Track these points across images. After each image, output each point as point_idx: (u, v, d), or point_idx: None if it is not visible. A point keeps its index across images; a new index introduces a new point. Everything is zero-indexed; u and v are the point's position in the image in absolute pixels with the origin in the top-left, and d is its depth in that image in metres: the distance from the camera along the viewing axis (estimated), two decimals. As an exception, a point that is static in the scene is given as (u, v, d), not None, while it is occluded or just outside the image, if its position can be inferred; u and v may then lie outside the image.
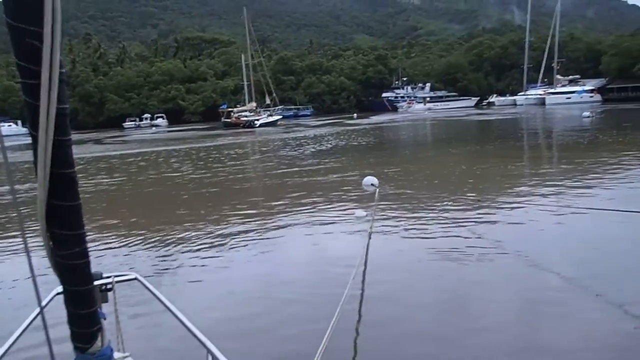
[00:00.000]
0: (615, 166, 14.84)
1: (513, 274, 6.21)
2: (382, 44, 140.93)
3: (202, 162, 21.63)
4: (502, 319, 4.94)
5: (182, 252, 7.72)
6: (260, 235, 8.58)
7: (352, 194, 11.68)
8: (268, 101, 61.39)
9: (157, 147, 33.85)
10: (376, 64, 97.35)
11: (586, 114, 41.79)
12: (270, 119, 57.21)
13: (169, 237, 8.57)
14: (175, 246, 8.06)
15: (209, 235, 8.65)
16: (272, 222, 9.46)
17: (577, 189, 11.66)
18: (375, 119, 57.78)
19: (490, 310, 5.13)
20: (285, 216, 9.94)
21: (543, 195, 10.97)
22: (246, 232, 8.81)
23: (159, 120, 78.44)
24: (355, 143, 27.41)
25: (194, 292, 6.15)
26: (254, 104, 60.67)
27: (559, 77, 78.11)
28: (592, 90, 75.05)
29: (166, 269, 7.01)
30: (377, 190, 8.23)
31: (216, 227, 9.21)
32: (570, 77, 79.33)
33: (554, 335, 4.46)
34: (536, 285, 5.78)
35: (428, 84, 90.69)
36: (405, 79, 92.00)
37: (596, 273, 6.02)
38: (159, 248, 7.99)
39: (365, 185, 9.02)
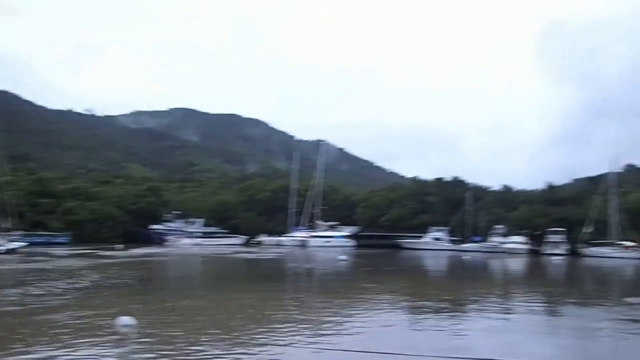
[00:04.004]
0: (361, 305, 15.93)
1: None
2: (157, 175, 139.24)
3: None
4: None
5: None
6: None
7: (104, 335, 10.07)
8: (9, 225, 53.25)
9: None
10: (148, 195, 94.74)
11: (342, 257, 45.81)
12: (12, 245, 49.51)
13: None
14: None
15: None
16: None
17: (330, 325, 12.02)
18: (139, 251, 54.63)
19: None
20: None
21: (300, 334, 10.99)
22: None
23: None
24: (113, 278, 24.97)
25: None
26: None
27: (320, 222, 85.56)
28: (347, 236, 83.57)
29: None
30: (133, 331, 7.22)
31: None
32: (330, 222, 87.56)
33: None
34: None
35: (201, 220, 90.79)
36: (177, 212, 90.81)
37: None
38: None
39: (119, 326, 7.81)
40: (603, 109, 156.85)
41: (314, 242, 76.88)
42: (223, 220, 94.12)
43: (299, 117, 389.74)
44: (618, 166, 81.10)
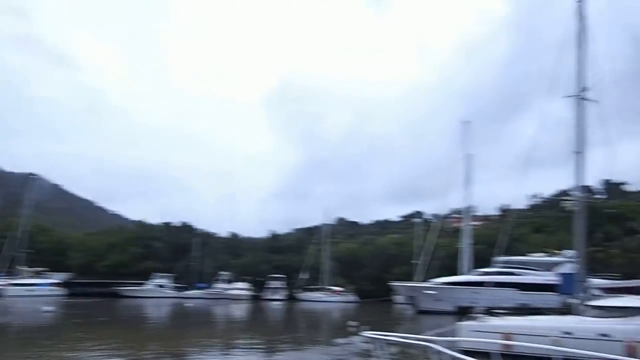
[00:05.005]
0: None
1: None
2: None
3: None
4: None
5: None
6: None
7: None
8: None
9: None
10: None
11: (48, 307, 39.69)
12: None
13: None
14: None
15: None
16: None
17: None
18: None
19: None
20: None
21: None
22: None
23: None
24: None
25: None
26: None
27: (23, 268, 73.89)
28: (57, 284, 73.73)
29: None
30: None
31: None
32: (38, 268, 76.34)
33: None
34: None
35: None
36: None
37: None
38: None
39: None
40: (323, 167, 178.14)
41: (12, 291, 65.65)
42: None
43: (2, 146, 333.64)
44: (331, 219, 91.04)
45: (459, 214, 60.84)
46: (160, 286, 73.90)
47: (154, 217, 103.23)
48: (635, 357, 10.33)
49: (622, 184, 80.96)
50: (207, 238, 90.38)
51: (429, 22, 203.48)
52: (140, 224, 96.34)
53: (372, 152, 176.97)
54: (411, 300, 50.01)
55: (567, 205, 30.83)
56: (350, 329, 23.62)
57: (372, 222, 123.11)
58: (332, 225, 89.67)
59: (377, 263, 77.03)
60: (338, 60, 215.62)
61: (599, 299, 21.60)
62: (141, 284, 73.34)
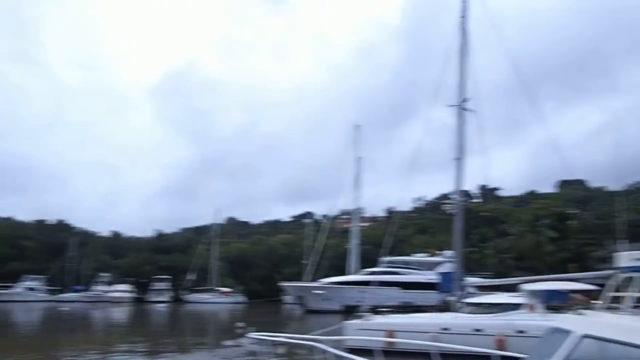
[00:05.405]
0: None
1: None
2: None
3: None
4: None
5: None
6: None
7: None
8: None
9: None
10: None
11: None
12: None
13: None
14: None
15: None
16: None
17: None
18: None
19: None
20: None
21: None
22: None
23: None
24: None
25: None
26: None
27: None
28: None
29: None
30: None
31: None
32: None
33: None
34: None
35: None
36: None
37: None
38: None
39: None
40: (214, 165, 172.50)
41: None
42: None
43: None
44: (221, 218, 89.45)
45: (348, 215, 62.47)
46: (31, 289, 68.05)
47: (25, 214, 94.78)
48: (503, 350, 11.03)
49: (496, 189, 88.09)
50: (86, 237, 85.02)
51: (326, 24, 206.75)
52: (8, 222, 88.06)
53: (264, 150, 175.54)
54: (300, 300, 50.42)
55: (448, 208, 32.78)
56: (238, 331, 23.19)
57: (263, 222, 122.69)
58: (222, 224, 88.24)
59: (266, 263, 76.95)
60: (232, 55, 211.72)
61: (474, 296, 23.14)
62: (9, 287, 67.00)
